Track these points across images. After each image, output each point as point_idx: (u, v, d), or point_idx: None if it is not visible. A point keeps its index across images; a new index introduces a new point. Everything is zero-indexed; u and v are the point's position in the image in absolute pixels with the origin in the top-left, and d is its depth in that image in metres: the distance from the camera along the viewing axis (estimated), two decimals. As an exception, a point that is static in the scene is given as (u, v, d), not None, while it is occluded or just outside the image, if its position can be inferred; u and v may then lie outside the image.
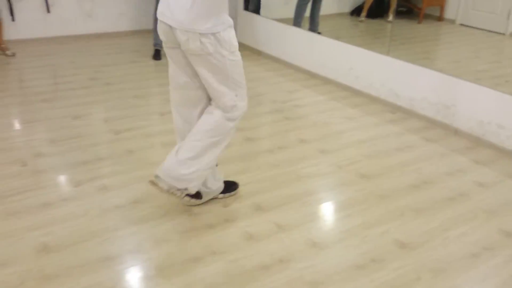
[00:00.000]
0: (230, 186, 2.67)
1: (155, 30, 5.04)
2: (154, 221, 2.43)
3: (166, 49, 2.29)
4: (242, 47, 5.68)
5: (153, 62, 5.06)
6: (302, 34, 4.98)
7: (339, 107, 4.05)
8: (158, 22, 2.20)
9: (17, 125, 3.50)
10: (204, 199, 2.56)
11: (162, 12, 2.16)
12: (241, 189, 2.72)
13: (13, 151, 3.08)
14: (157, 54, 5.13)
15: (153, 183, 2.36)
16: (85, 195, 2.63)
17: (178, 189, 2.34)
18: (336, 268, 2.16)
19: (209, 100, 2.37)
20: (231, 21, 2.18)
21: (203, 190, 2.52)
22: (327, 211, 2.64)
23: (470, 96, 3.51)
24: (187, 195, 2.42)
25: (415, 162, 3.16)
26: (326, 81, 4.64)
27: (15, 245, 2.22)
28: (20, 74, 4.57)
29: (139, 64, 4.98)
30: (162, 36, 2.23)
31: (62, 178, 2.81)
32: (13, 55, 4.97)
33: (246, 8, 5.60)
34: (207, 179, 2.49)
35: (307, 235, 2.38)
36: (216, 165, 2.53)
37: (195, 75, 2.29)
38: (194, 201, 2.51)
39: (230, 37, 2.17)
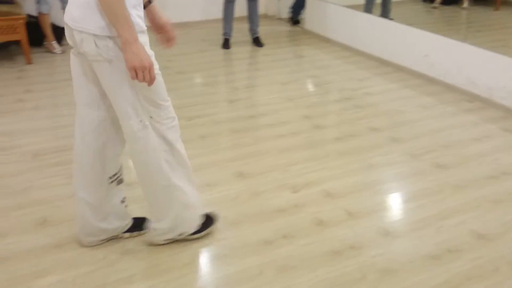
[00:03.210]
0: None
1: (224, 19, 5.11)
2: (225, 203, 2.48)
3: (71, 56, 1.86)
4: (311, 34, 5.67)
5: (222, 51, 5.14)
6: (373, 21, 4.87)
7: (412, 95, 3.94)
8: (64, 24, 1.78)
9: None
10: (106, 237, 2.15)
11: (66, 9, 1.75)
12: (310, 176, 2.72)
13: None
14: (226, 43, 5.20)
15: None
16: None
17: (179, 235, 2.13)
18: (410, 257, 2.11)
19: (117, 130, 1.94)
20: (141, 25, 1.71)
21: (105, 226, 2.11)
22: (400, 200, 2.58)
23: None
24: (195, 232, 2.17)
25: (493, 152, 3.02)
26: (399, 68, 4.52)
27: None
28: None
29: (208, 53, 5.06)
30: (68, 40, 1.79)
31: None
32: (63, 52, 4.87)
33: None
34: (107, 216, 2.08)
35: (378, 224, 2.34)
36: (123, 202, 2.14)
37: (102, 92, 1.85)
38: (206, 232, 2.22)
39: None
